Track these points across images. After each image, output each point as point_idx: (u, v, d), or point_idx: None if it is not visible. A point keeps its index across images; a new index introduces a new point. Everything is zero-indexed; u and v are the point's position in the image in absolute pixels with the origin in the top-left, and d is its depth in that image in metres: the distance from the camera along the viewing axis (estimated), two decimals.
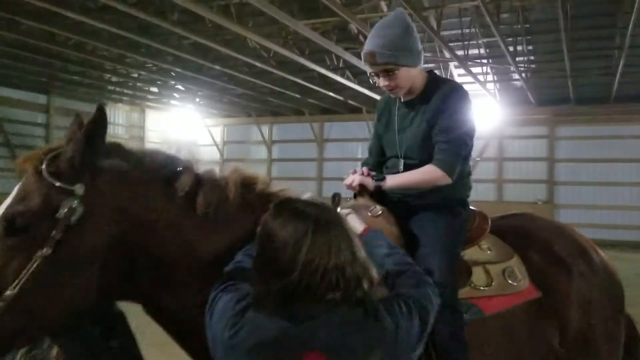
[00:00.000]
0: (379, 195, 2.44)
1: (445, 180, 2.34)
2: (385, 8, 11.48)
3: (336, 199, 2.23)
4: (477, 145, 17.81)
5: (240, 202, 1.89)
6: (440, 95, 2.41)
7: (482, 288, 2.39)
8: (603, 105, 17.60)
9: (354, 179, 2.40)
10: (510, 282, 2.45)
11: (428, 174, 2.36)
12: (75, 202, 1.63)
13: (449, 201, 2.46)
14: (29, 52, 13.82)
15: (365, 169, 2.45)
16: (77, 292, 1.65)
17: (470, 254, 2.47)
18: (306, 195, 1.87)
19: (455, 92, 2.42)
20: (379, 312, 1.49)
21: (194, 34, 11.70)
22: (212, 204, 1.82)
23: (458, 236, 2.42)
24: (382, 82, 2.45)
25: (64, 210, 1.61)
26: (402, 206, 2.46)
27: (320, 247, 1.45)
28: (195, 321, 1.68)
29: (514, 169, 19.31)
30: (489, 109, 17.74)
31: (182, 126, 23.43)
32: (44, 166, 1.67)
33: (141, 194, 1.76)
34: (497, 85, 17.60)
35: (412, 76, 2.44)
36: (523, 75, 15.41)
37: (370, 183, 2.39)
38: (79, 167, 1.68)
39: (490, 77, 16.63)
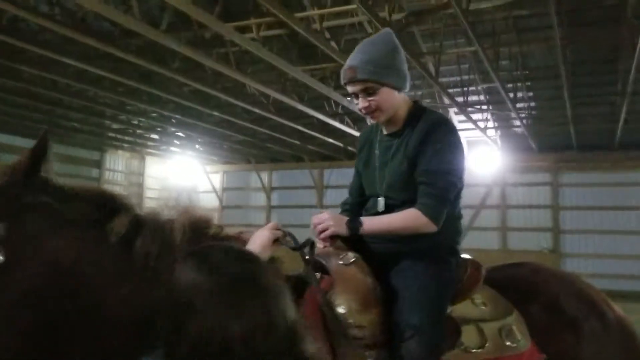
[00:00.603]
0: (355, 241, 2.15)
1: (430, 227, 2.07)
2: None
3: (309, 245, 1.96)
4: (479, 193, 17.86)
5: (189, 248, 1.55)
6: (422, 128, 2.15)
7: (474, 350, 2.07)
8: (606, 151, 17.41)
9: (326, 226, 2.10)
10: (508, 342, 2.12)
11: (411, 220, 2.08)
12: None
13: (435, 248, 2.17)
14: (30, 99, 13.82)
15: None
16: None
17: (460, 309, 2.16)
18: (253, 243, 1.62)
19: (440, 125, 2.16)
20: None
21: (194, 81, 11.70)
22: (153, 252, 1.54)
23: (445, 289, 2.12)
24: (361, 103, 2.19)
25: None
26: (380, 253, 2.17)
27: (223, 311, 1.14)
28: None
29: (518, 217, 18.96)
30: (491, 156, 17.61)
31: (181, 173, 23.31)
32: None
33: (71, 238, 1.48)
34: (498, 131, 17.48)
35: (395, 101, 2.19)
36: (524, 121, 15.31)
37: (344, 231, 2.10)
38: (4, 203, 1.44)
39: (490, 124, 16.54)
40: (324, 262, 2.01)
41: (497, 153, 17.62)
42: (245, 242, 1.87)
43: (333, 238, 2.12)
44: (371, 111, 2.19)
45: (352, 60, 2.17)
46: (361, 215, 2.29)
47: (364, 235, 2.18)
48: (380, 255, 2.16)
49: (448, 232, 2.20)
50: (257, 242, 1.87)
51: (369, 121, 2.38)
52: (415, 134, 2.17)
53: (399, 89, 2.20)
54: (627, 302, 13.06)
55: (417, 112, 2.25)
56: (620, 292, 15.24)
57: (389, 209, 2.21)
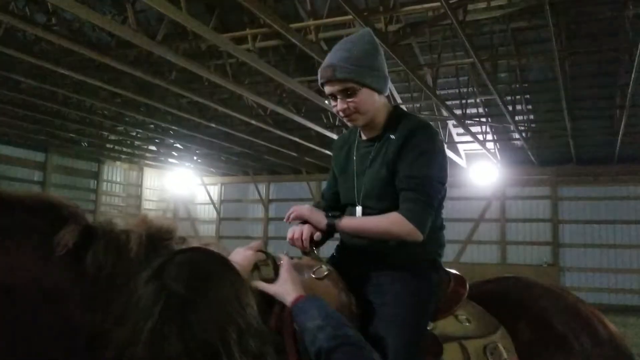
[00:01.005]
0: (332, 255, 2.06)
1: (416, 236, 1.92)
2: None
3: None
4: (478, 206, 17.71)
5: (146, 262, 1.43)
6: (402, 134, 2.01)
7: None
8: (606, 165, 17.33)
9: (302, 231, 1.99)
10: None
11: (396, 224, 1.92)
12: None
13: (415, 261, 2.03)
14: (28, 110, 13.79)
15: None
16: None
17: (442, 326, 2.03)
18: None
19: (421, 130, 2.02)
20: None
21: (191, 92, 11.66)
22: (106, 265, 1.39)
23: (424, 306, 1.98)
24: (339, 104, 2.03)
25: None
26: (356, 266, 2.03)
27: (166, 332, 1.07)
28: None
29: (517, 231, 18.82)
30: (490, 169, 17.54)
31: (179, 184, 23.26)
32: None
33: (8, 250, 1.32)
34: (497, 144, 17.43)
35: (375, 103, 2.06)
36: (523, 134, 15.26)
37: (321, 222, 1.98)
38: None
39: (489, 137, 16.48)
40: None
41: (496, 166, 17.55)
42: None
43: (310, 245, 2.01)
44: (349, 114, 2.05)
45: (330, 58, 2.03)
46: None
47: (342, 242, 2.06)
48: (356, 269, 2.04)
49: (429, 244, 2.04)
50: (238, 260, 1.72)
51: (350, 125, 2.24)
52: (395, 139, 2.04)
53: (379, 91, 2.07)
54: (627, 316, 12.99)
55: (397, 116, 2.12)
56: (620, 306, 15.11)
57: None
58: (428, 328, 2.00)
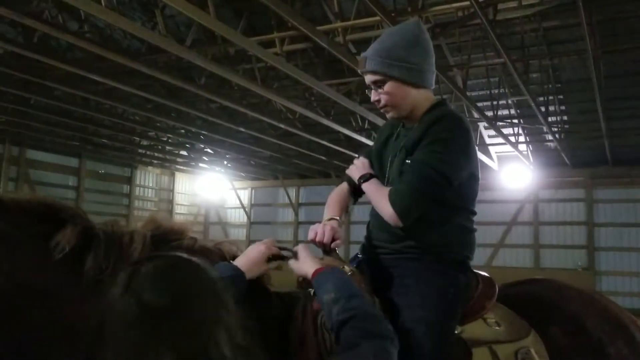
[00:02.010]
0: (358, 258, 2.02)
1: (394, 220, 1.88)
2: None
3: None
4: (511, 209, 17.41)
5: None
6: (425, 122, 1.97)
7: None
8: None
9: (324, 232, 1.96)
10: None
11: (382, 201, 1.93)
12: None
13: (441, 262, 1.95)
14: (62, 116, 14.07)
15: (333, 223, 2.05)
16: None
17: (471, 330, 1.95)
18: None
19: (443, 119, 1.96)
20: None
21: (221, 97, 11.74)
22: (107, 267, 1.35)
23: (452, 308, 1.91)
24: (373, 95, 2.06)
25: None
26: (380, 267, 1.98)
27: (153, 342, 1.05)
28: None
29: (551, 234, 18.43)
30: (522, 172, 17.23)
31: (210, 189, 23.46)
32: None
33: (5, 253, 1.29)
34: (530, 146, 17.11)
35: (408, 97, 2.01)
36: (557, 135, 14.94)
37: (355, 177, 2.10)
38: None
39: (522, 138, 16.19)
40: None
41: (529, 168, 17.23)
42: (224, 255, 1.76)
43: (332, 249, 1.99)
44: (382, 105, 2.06)
45: (369, 49, 2.05)
46: None
47: (366, 242, 2.11)
48: (380, 270, 1.99)
49: (457, 245, 1.98)
50: (250, 256, 1.78)
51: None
52: (417, 127, 2.01)
53: (412, 84, 2.01)
54: None
55: (433, 108, 2.07)
56: None
57: None
58: (456, 332, 1.93)
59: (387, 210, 1.90)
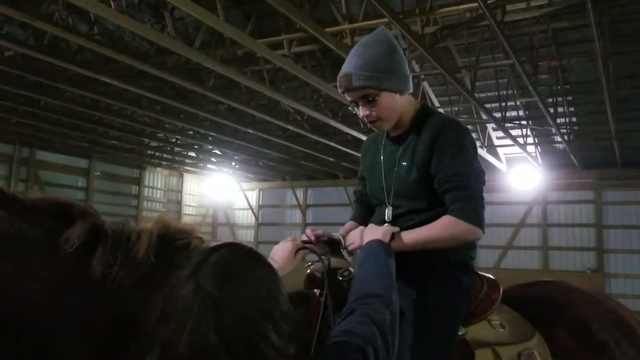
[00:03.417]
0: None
1: (475, 233, 1.87)
2: (416, 68, 11.38)
3: (325, 261, 1.85)
4: (519, 211, 17.31)
5: (157, 262, 1.46)
6: (430, 132, 1.97)
7: None
8: None
9: (364, 235, 1.96)
10: None
11: (451, 228, 1.87)
12: None
13: (445, 264, 1.97)
14: (72, 118, 14.17)
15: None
16: None
17: (475, 332, 1.96)
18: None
19: (450, 126, 1.97)
20: None
21: (229, 99, 11.79)
22: (115, 263, 1.39)
23: (455, 310, 1.92)
24: (361, 111, 2.01)
25: None
26: None
27: (204, 327, 1.16)
28: None
29: (560, 236, 18.34)
30: (531, 173, 17.16)
31: (218, 190, 23.55)
32: None
33: (16, 250, 1.31)
34: (539, 148, 17.05)
35: (397, 105, 2.01)
36: (565, 137, 14.88)
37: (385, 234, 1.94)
38: None
39: (530, 140, 16.14)
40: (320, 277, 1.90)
41: (538, 170, 17.16)
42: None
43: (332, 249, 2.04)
44: (373, 120, 2.02)
45: (346, 66, 1.98)
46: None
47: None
48: None
49: (460, 246, 1.98)
50: (279, 254, 1.91)
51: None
52: (422, 139, 1.99)
53: (400, 92, 2.02)
54: None
55: (424, 114, 2.07)
56: None
57: (395, 218, 2.05)
58: (459, 333, 1.95)
59: (461, 231, 1.88)
